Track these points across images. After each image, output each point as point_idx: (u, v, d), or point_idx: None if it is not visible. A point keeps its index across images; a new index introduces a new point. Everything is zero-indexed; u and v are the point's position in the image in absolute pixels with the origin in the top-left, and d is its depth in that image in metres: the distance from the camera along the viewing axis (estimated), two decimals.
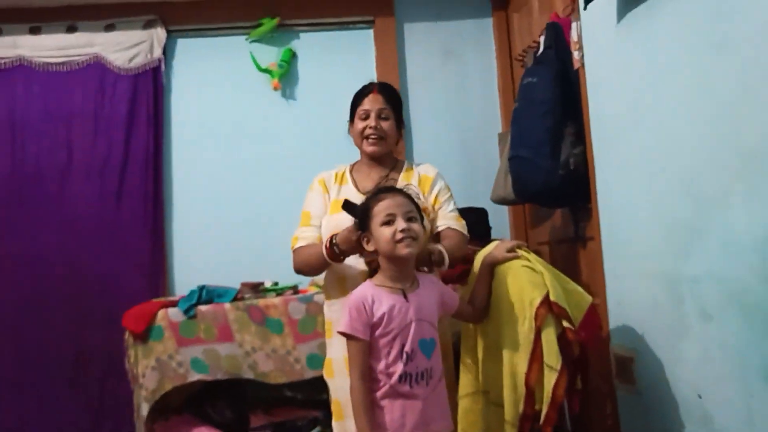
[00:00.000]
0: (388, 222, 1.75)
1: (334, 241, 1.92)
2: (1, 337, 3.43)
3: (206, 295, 2.92)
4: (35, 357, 3.42)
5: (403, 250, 1.73)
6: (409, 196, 1.83)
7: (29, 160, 3.56)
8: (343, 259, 1.95)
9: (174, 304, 2.90)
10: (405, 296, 1.77)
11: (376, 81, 2.26)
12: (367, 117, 2.13)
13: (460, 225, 2.11)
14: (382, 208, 1.77)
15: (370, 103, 2.14)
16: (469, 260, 2.17)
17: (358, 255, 1.93)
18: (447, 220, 2.10)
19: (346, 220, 1.90)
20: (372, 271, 1.89)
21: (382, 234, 1.75)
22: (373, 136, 2.12)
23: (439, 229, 2.09)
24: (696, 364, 1.81)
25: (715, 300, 1.70)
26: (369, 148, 2.14)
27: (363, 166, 2.19)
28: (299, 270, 2.10)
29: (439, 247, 1.94)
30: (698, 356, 1.79)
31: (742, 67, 1.56)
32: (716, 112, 1.67)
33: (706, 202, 1.72)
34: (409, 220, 1.76)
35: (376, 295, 1.76)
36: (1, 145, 3.56)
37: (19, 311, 3.45)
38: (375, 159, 2.17)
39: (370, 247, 1.81)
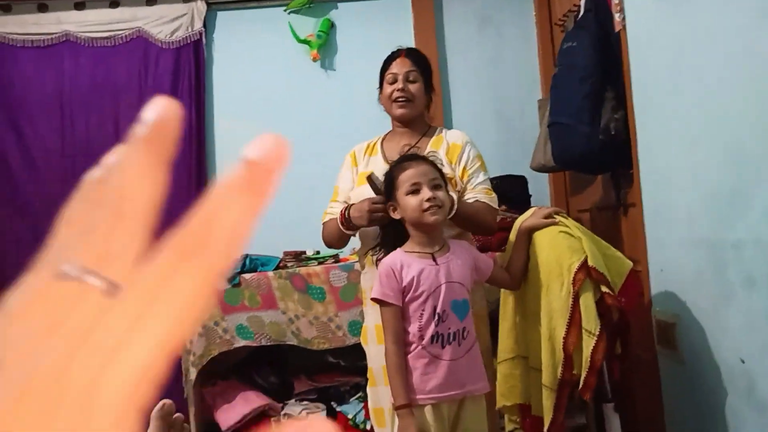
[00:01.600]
0: (414, 191, 1.77)
1: (347, 211, 1.96)
2: None
3: (250, 263, 2.99)
4: None
5: (429, 218, 1.75)
6: (433, 164, 1.85)
7: (78, 135, 3.65)
8: (356, 229, 1.99)
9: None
10: (434, 260, 1.79)
11: (404, 47, 2.25)
12: (394, 81, 2.12)
13: (489, 198, 2.07)
14: (406, 178, 1.79)
15: (398, 67, 2.13)
16: (507, 227, 2.18)
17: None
18: (475, 193, 2.06)
19: (371, 193, 1.93)
20: (384, 231, 1.92)
21: (409, 203, 1.77)
22: (401, 99, 2.11)
23: (469, 201, 2.07)
24: (740, 332, 1.79)
25: (759, 266, 1.68)
26: (397, 111, 2.13)
27: (394, 135, 2.19)
28: (326, 243, 2.17)
29: (452, 193, 1.93)
30: (742, 323, 1.77)
31: None
32: (761, 75, 1.62)
33: (751, 167, 1.69)
34: (434, 188, 1.78)
35: (405, 261, 1.79)
36: (52, 120, 3.64)
37: None
38: (405, 124, 2.16)
39: (396, 216, 1.83)
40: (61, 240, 0.29)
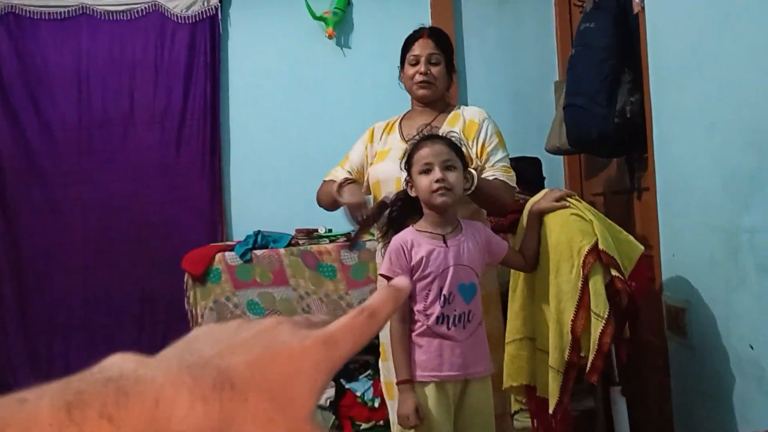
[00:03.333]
0: (426, 171, 1.77)
1: (344, 185, 2.01)
2: (71, 281, 3.60)
3: (262, 240, 3.01)
4: (103, 300, 3.58)
5: (437, 200, 1.76)
6: (450, 143, 1.84)
7: (95, 108, 3.67)
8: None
9: (231, 248, 3.00)
10: (445, 242, 1.79)
11: (426, 26, 2.24)
12: (417, 62, 2.12)
13: (507, 176, 2.06)
14: (420, 157, 1.79)
15: (420, 48, 2.12)
16: (519, 209, 2.17)
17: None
18: (494, 171, 2.06)
19: (386, 171, 1.96)
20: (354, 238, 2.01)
21: (421, 182, 1.78)
22: (423, 82, 2.11)
23: (488, 179, 2.06)
24: (751, 318, 1.78)
25: None
26: (419, 92, 2.14)
27: (413, 114, 2.20)
28: (318, 201, 2.23)
29: (472, 170, 1.93)
30: (754, 309, 1.76)
31: None
32: None
33: None
34: (446, 169, 1.77)
35: (415, 240, 1.80)
36: (69, 93, 3.66)
37: (87, 256, 3.61)
38: (425, 104, 2.16)
39: (413, 193, 1.84)
40: None
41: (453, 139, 1.86)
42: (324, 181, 2.23)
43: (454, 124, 2.11)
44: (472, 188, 1.90)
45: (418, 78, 2.11)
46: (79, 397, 0.29)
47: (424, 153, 1.80)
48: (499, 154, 2.09)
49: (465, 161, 1.87)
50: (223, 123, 3.74)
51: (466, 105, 3.39)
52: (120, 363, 0.32)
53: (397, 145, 2.04)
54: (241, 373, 0.34)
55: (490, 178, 2.05)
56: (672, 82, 2.18)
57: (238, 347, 0.36)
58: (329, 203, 2.14)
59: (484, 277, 2.00)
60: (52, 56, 3.67)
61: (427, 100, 2.15)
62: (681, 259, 2.17)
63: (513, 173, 2.10)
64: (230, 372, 0.34)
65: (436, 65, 2.12)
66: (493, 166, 2.07)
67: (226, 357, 0.35)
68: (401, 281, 0.44)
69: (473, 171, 1.92)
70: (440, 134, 1.90)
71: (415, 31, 2.20)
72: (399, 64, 2.21)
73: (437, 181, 1.75)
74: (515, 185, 2.10)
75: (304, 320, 0.40)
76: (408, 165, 1.85)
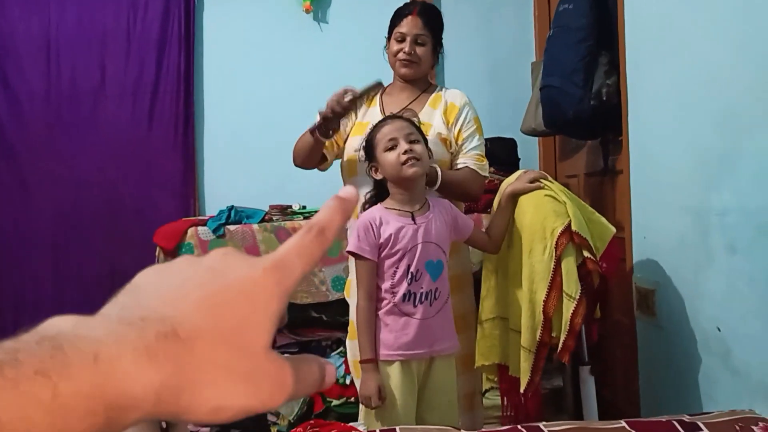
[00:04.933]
0: (392, 147, 1.77)
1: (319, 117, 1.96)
2: (41, 257, 3.55)
3: (235, 215, 2.98)
4: (74, 276, 3.53)
5: (408, 170, 1.75)
6: (409, 120, 1.84)
7: (64, 80, 3.59)
8: (324, 135, 1.98)
9: (204, 223, 2.97)
10: (413, 219, 1.80)
11: (418, 1, 2.19)
12: (402, 40, 2.08)
13: (479, 165, 2.06)
14: (383, 134, 1.80)
15: (408, 27, 2.08)
16: (494, 189, 2.18)
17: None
18: (467, 158, 2.06)
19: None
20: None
21: (387, 159, 1.77)
22: (406, 60, 2.08)
23: (458, 167, 2.07)
24: (719, 298, 1.81)
25: (743, 233, 1.69)
26: (401, 71, 2.11)
27: (394, 89, 2.17)
28: (294, 157, 2.16)
29: (434, 165, 1.93)
30: (722, 290, 1.80)
31: None
32: (753, 40, 1.61)
33: (740, 134, 1.69)
34: (411, 142, 1.77)
35: (384, 217, 1.79)
36: (37, 65, 3.58)
37: (58, 231, 3.55)
38: (407, 81, 2.14)
39: (378, 176, 1.83)
40: None
41: (410, 116, 1.87)
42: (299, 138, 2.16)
43: (436, 105, 2.10)
44: (437, 184, 1.91)
45: (402, 56, 2.08)
46: (12, 356, 0.27)
47: (387, 130, 1.80)
48: (474, 142, 2.08)
49: (425, 139, 1.87)
50: (197, 97, 3.68)
51: (443, 84, 3.38)
52: (58, 323, 0.31)
53: (377, 119, 2.02)
54: (188, 319, 0.32)
55: (461, 166, 2.05)
56: (647, 64, 2.19)
57: (186, 289, 0.34)
58: (307, 150, 2.06)
59: (457, 257, 2.00)
60: (19, 27, 3.57)
61: (408, 79, 2.12)
62: (652, 241, 2.20)
63: (485, 162, 2.10)
64: (177, 320, 0.32)
65: (422, 45, 2.09)
66: (466, 153, 2.06)
67: (173, 302, 0.33)
68: (348, 190, 0.42)
69: (435, 166, 1.93)
70: (397, 114, 1.90)
71: (405, 5, 2.16)
72: (386, 35, 2.17)
73: (405, 152, 1.75)
74: (486, 174, 2.10)
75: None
76: (369, 150, 1.84)
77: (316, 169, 2.20)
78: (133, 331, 0.31)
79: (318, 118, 1.97)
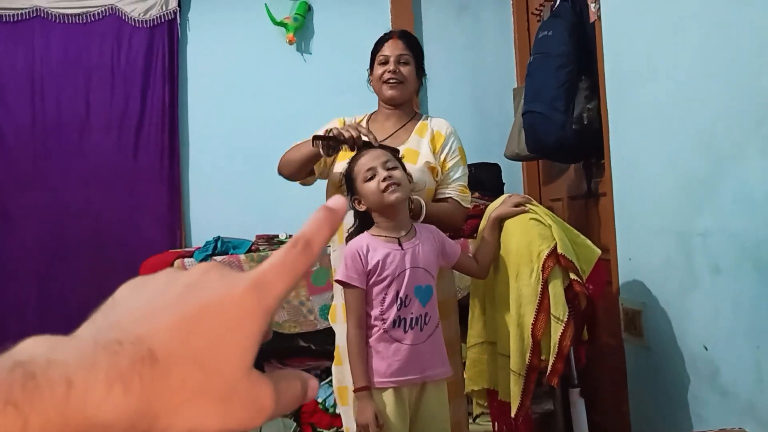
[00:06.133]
0: (371, 177, 1.78)
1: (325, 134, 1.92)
2: (25, 287, 3.51)
3: (221, 246, 2.98)
4: (58, 308, 3.50)
5: (390, 197, 1.76)
6: (383, 147, 1.86)
7: (49, 112, 3.59)
8: (325, 152, 1.92)
9: (190, 254, 2.96)
10: (400, 244, 1.80)
11: (396, 30, 2.22)
12: (386, 62, 2.09)
13: (462, 197, 2.07)
14: (361, 166, 1.81)
15: (390, 49, 2.10)
16: (479, 215, 2.19)
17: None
18: (450, 189, 2.07)
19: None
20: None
21: (368, 189, 1.78)
22: (392, 80, 2.08)
23: (440, 197, 2.08)
24: (705, 319, 1.82)
25: (726, 254, 1.71)
26: (388, 92, 2.09)
27: (380, 116, 2.16)
28: (280, 169, 2.11)
29: (419, 197, 1.94)
30: (707, 311, 1.81)
31: (760, 19, 1.54)
32: (733, 66, 1.65)
33: (720, 157, 1.72)
34: (389, 169, 1.79)
35: (371, 244, 1.80)
36: (22, 97, 3.58)
37: (42, 264, 3.52)
38: (394, 105, 2.13)
39: (361, 208, 1.84)
40: None
41: (385, 146, 1.88)
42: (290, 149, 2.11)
43: (423, 134, 2.10)
44: (421, 217, 1.93)
45: (387, 76, 2.08)
46: None
47: (364, 161, 1.81)
48: (459, 172, 2.09)
49: (403, 166, 1.87)
50: (181, 128, 3.69)
51: (426, 111, 3.42)
52: (31, 347, 0.30)
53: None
54: (163, 342, 0.32)
55: (444, 196, 2.06)
56: (628, 89, 2.23)
57: (163, 308, 0.33)
58: (299, 159, 2.00)
59: (441, 283, 2.00)
60: (3, 59, 3.58)
61: (396, 101, 2.11)
62: (637, 262, 2.22)
63: (468, 194, 2.11)
64: (151, 343, 0.31)
65: (406, 65, 2.10)
66: (449, 184, 2.07)
67: (148, 322, 0.32)
68: (336, 201, 0.40)
69: (420, 198, 1.94)
70: (373, 144, 1.90)
71: (385, 34, 2.18)
72: (369, 67, 2.18)
73: (384, 179, 1.76)
74: (468, 205, 2.11)
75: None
76: (349, 183, 1.85)
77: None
78: (108, 357, 0.30)
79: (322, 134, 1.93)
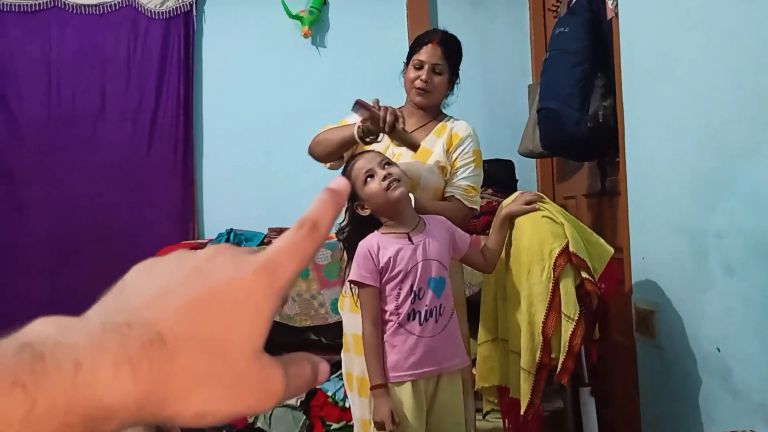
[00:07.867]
0: (370, 177, 1.79)
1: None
2: (37, 281, 3.53)
3: (234, 238, 2.99)
4: (70, 302, 3.51)
5: (394, 193, 1.77)
6: (408, 141, 1.88)
7: (64, 103, 3.61)
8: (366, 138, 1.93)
9: (203, 247, 2.96)
10: (410, 239, 1.81)
11: (440, 30, 2.20)
12: (420, 68, 2.10)
13: (465, 196, 2.07)
14: (358, 170, 1.82)
15: (427, 55, 2.09)
16: (492, 211, 2.19)
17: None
18: (454, 188, 2.07)
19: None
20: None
21: (370, 190, 1.79)
22: (421, 89, 2.10)
23: (446, 195, 2.08)
24: (717, 319, 1.81)
25: (739, 254, 1.70)
26: (415, 98, 2.12)
27: (405, 111, 2.15)
28: (313, 147, 2.10)
29: (411, 193, 1.93)
30: (720, 310, 1.80)
31: None
32: (744, 63, 1.64)
33: (733, 155, 1.70)
34: (386, 166, 1.80)
35: (381, 242, 1.80)
36: (38, 88, 3.60)
37: (53, 257, 3.54)
38: (419, 108, 2.15)
39: (365, 213, 1.84)
40: None
41: (407, 135, 1.89)
42: (324, 131, 2.10)
43: (440, 134, 2.11)
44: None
45: (418, 84, 2.09)
46: None
47: (360, 165, 1.83)
48: (467, 173, 2.09)
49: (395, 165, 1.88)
50: (196, 120, 3.71)
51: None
52: (40, 328, 0.30)
53: (384, 141, 2.02)
54: (172, 325, 0.31)
55: (447, 195, 2.07)
56: (643, 86, 2.21)
57: (172, 290, 0.33)
58: (336, 142, 2.00)
59: (450, 279, 2.00)
60: (20, 49, 3.60)
61: (421, 107, 2.14)
62: (650, 262, 2.20)
63: (475, 194, 2.10)
64: (160, 325, 0.31)
65: (439, 75, 2.10)
66: (455, 183, 2.08)
67: (157, 305, 0.32)
68: (339, 182, 0.40)
69: (412, 196, 1.93)
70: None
71: (427, 32, 2.17)
72: (404, 60, 2.18)
73: (385, 177, 1.77)
74: (474, 206, 2.10)
75: (247, 248, 0.38)
76: (352, 190, 1.85)
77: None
78: (116, 339, 0.30)
79: (359, 121, 1.93)
